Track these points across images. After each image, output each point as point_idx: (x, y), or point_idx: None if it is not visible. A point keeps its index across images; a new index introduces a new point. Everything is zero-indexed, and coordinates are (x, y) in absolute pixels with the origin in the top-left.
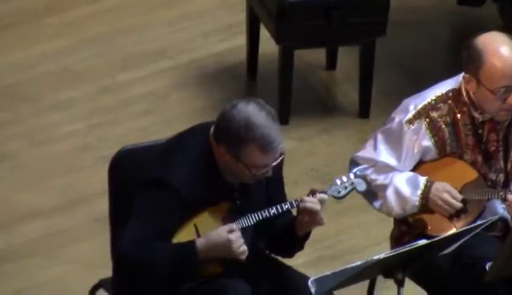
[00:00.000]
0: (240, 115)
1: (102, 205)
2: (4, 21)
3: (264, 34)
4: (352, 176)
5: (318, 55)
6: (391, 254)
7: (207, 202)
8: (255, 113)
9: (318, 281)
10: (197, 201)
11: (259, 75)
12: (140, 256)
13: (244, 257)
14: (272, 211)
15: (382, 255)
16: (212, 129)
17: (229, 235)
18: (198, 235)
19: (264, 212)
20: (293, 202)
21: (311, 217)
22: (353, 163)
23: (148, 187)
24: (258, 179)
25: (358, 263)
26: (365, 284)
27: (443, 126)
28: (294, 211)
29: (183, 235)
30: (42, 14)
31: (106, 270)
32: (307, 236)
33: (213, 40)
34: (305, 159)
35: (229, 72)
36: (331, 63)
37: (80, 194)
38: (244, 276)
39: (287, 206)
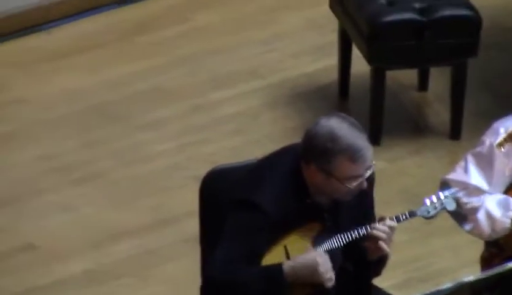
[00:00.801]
0: (324, 130)
1: (192, 225)
2: (95, 40)
3: (356, 54)
4: (441, 195)
5: (410, 75)
6: (481, 276)
7: (296, 223)
8: (338, 125)
9: None
10: (286, 222)
11: (351, 96)
12: (228, 278)
13: (330, 284)
14: (362, 232)
15: (471, 278)
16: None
17: (317, 257)
18: (288, 256)
19: (354, 233)
20: (367, 227)
21: (375, 244)
22: (444, 185)
23: (238, 208)
24: (354, 192)
25: (448, 285)
26: None
27: None
28: None
29: (272, 256)
30: (132, 33)
31: (194, 292)
32: (382, 262)
33: (305, 60)
34: (396, 180)
35: (321, 92)
36: (423, 84)
37: (170, 214)
38: None
39: (363, 231)
